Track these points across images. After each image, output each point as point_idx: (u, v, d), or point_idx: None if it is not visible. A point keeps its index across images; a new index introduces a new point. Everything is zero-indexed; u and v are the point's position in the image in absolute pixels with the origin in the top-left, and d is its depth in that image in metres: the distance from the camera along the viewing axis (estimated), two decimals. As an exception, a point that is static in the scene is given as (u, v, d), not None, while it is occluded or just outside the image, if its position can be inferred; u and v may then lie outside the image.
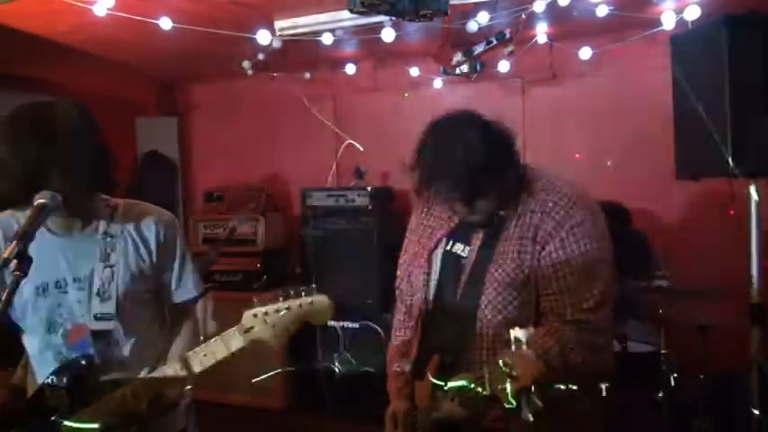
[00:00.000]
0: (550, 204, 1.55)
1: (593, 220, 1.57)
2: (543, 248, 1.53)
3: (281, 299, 1.37)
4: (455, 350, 1.59)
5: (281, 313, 1.36)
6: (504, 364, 1.22)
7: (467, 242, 1.68)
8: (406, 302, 1.84)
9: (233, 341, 1.40)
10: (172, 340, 1.69)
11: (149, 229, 1.62)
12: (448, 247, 1.71)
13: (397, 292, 1.91)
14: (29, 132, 1.40)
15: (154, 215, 1.65)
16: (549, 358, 1.39)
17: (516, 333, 1.24)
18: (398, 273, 1.90)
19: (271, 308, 1.36)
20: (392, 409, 1.75)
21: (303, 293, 1.36)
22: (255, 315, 1.37)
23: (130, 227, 1.61)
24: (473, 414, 1.43)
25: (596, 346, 1.53)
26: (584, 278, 1.50)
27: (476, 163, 1.50)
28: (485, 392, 1.30)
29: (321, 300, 1.37)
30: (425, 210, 1.82)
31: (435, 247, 1.73)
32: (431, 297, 1.72)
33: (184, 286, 1.71)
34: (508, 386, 1.20)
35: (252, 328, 1.37)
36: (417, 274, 1.75)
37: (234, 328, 1.40)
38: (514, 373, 1.19)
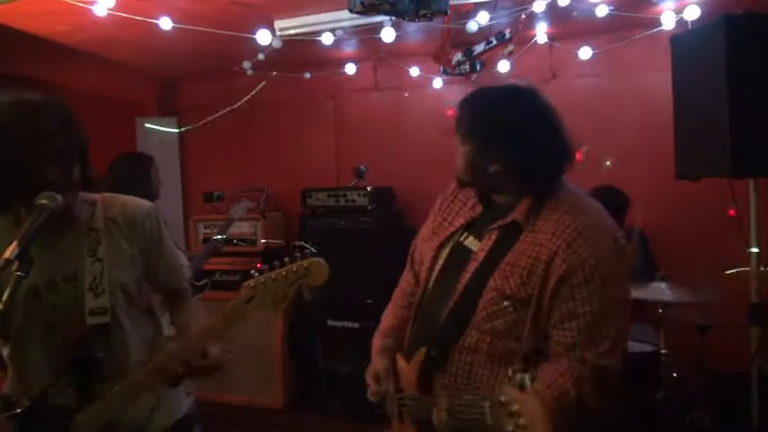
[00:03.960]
0: (574, 235, 1.46)
1: (619, 254, 1.50)
2: (563, 280, 1.45)
3: (277, 267, 1.46)
4: (441, 346, 1.60)
5: (279, 280, 1.44)
6: (510, 410, 1.13)
7: (479, 237, 1.63)
8: (414, 268, 1.88)
9: (236, 314, 1.47)
10: (175, 322, 1.76)
11: (132, 219, 1.63)
12: (461, 239, 1.69)
13: (410, 250, 1.93)
14: (18, 132, 1.38)
15: (134, 206, 1.67)
16: (565, 402, 1.38)
17: (523, 378, 1.14)
18: (415, 240, 1.92)
19: (268, 276, 1.45)
20: (375, 366, 1.82)
21: (299, 258, 1.45)
22: (254, 286, 1.45)
23: (113, 219, 1.62)
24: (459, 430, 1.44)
25: (611, 391, 1.48)
26: (604, 318, 1.45)
27: (504, 108, 1.57)
28: (485, 422, 1.28)
29: (315, 262, 1.46)
30: (455, 194, 1.80)
31: (451, 234, 1.71)
32: (431, 284, 1.71)
33: (175, 270, 1.75)
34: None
35: (252, 298, 1.45)
36: (427, 254, 1.75)
37: (235, 301, 1.47)
38: (521, 422, 1.11)
